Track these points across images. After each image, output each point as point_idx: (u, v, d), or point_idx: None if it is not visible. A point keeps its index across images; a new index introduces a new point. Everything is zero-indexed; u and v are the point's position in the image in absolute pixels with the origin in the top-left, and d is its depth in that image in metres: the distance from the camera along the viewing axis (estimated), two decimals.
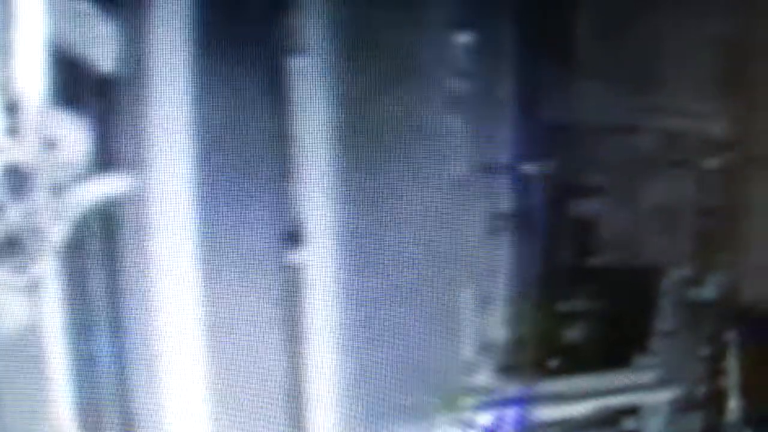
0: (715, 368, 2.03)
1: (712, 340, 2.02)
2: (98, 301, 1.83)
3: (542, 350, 1.96)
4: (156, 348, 1.84)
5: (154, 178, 1.83)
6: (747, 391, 2.03)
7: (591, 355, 1.98)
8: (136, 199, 1.83)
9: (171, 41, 1.82)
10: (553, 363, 1.96)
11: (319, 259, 1.86)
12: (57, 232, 1.81)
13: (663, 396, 2.01)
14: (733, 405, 2.03)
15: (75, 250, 1.82)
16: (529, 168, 1.91)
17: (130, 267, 1.83)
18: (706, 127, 1.98)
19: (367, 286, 1.87)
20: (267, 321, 1.85)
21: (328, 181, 1.86)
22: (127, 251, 1.83)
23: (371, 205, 1.86)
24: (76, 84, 1.80)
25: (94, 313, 1.83)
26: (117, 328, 1.84)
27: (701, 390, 2.03)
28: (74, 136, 1.82)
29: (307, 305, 1.86)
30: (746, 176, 2.00)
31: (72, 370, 1.82)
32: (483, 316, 1.92)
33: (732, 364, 2.03)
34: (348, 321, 1.87)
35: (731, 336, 2.02)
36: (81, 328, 1.83)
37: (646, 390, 2.00)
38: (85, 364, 1.83)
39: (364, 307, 1.87)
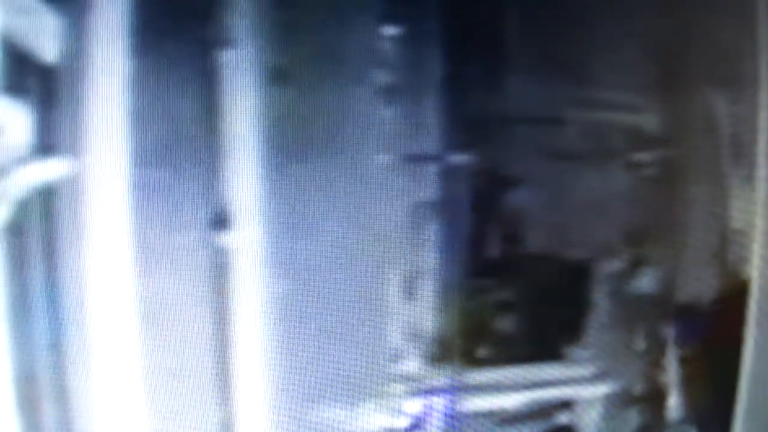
0: (653, 364, 2.02)
1: (650, 335, 2.01)
2: (35, 281, 1.92)
3: (472, 340, 1.98)
4: (90, 327, 1.91)
5: (91, 162, 1.92)
6: (686, 387, 2.01)
7: (523, 347, 1.99)
8: (73, 183, 1.91)
9: (109, 32, 1.91)
10: (483, 353, 1.98)
11: (247, 243, 1.92)
12: None
13: (598, 390, 2.00)
14: (673, 402, 2.01)
15: (15, 232, 1.91)
16: (457, 158, 1.95)
17: (66, 248, 1.91)
18: (639, 120, 1.98)
19: (295, 272, 1.92)
20: (196, 303, 1.91)
21: (256, 168, 1.92)
22: (64, 233, 1.91)
23: (299, 193, 1.92)
24: (19, 71, 1.90)
25: (31, 292, 1.92)
26: (53, 307, 1.92)
27: (639, 386, 2.01)
28: (16, 122, 1.91)
29: (235, 288, 1.92)
30: (682, 169, 2.00)
31: (9, 348, 1.90)
32: (411, 304, 1.95)
33: (671, 360, 2.01)
34: (275, 306, 1.92)
35: (670, 331, 2.01)
36: (18, 307, 1.91)
37: (581, 384, 2.00)
38: (21, 343, 1.91)
39: (292, 293, 1.92)
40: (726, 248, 2.02)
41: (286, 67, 1.92)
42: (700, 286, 2.00)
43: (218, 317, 1.91)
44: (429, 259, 1.95)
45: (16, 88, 1.90)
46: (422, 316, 1.95)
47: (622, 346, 2.01)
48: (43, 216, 1.92)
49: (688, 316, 2.01)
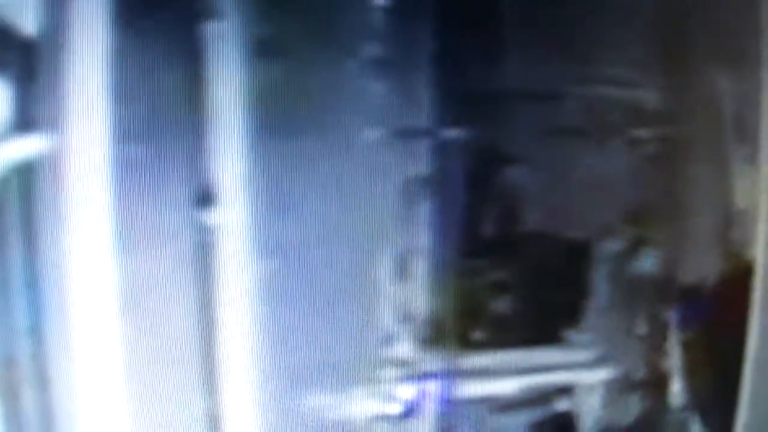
0: (655, 348, 1.95)
1: (651, 319, 1.95)
2: (13, 261, 1.86)
3: (467, 323, 1.91)
4: (70, 309, 1.85)
5: (71, 138, 1.85)
6: (689, 373, 1.95)
7: (520, 330, 1.93)
8: (53, 160, 1.85)
9: (90, 4, 1.85)
10: (479, 337, 1.91)
11: (233, 222, 1.86)
12: None
13: (598, 376, 1.94)
14: (675, 387, 1.94)
15: None
16: (450, 134, 1.88)
17: (46, 226, 1.85)
18: (640, 97, 1.92)
19: (282, 252, 1.86)
20: (180, 283, 1.85)
21: (242, 143, 1.86)
22: (44, 211, 1.85)
23: (286, 168, 1.86)
24: None
25: (9, 273, 1.86)
26: (32, 289, 1.86)
27: (640, 371, 1.95)
28: None
29: (220, 268, 1.86)
30: (684, 148, 1.94)
31: None
32: (404, 285, 1.89)
33: (673, 345, 1.95)
34: (262, 287, 1.86)
35: (672, 315, 1.94)
36: None
37: (580, 369, 1.94)
38: (0, 325, 1.85)
39: (279, 273, 1.86)
40: (729, 229, 1.96)
41: (272, 41, 1.86)
42: (702, 268, 1.94)
43: (203, 298, 1.85)
44: (422, 238, 1.88)
45: None
46: (415, 298, 1.89)
47: (623, 330, 1.95)
48: (22, 194, 1.86)
49: (690, 300, 1.95)
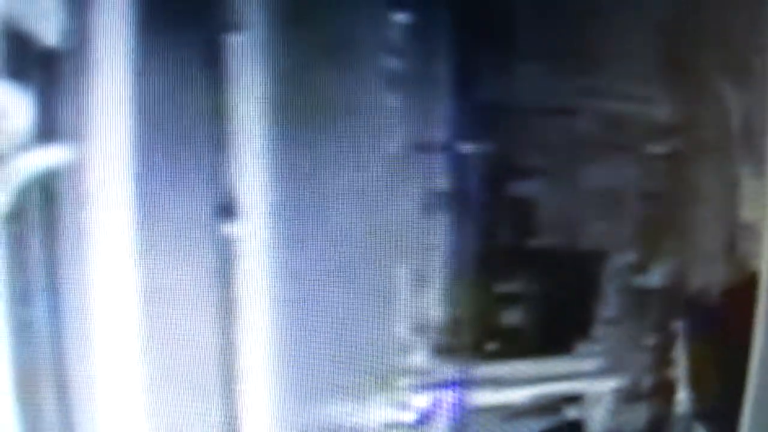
0: (662, 358, 1.99)
1: (658, 329, 1.99)
2: (37, 269, 1.87)
3: (480, 333, 1.95)
4: (92, 317, 1.87)
5: (94, 149, 1.87)
6: (695, 382, 1.99)
7: (531, 340, 1.96)
8: (75, 170, 1.87)
9: (112, 15, 1.86)
10: (492, 346, 1.95)
11: (254, 233, 1.88)
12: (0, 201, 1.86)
13: (607, 385, 1.98)
14: (681, 396, 1.99)
15: (16, 219, 1.86)
16: (466, 147, 1.91)
17: (68, 236, 1.87)
18: (650, 111, 1.96)
19: (302, 262, 1.89)
20: (201, 293, 1.88)
21: (263, 155, 1.88)
22: (66, 221, 1.87)
23: (306, 181, 1.88)
24: (20, 56, 1.86)
25: (32, 281, 1.87)
26: (55, 296, 1.88)
27: (648, 380, 1.99)
28: (18, 107, 1.87)
29: (240, 279, 1.88)
30: (693, 162, 1.97)
31: (10, 336, 1.86)
32: (420, 295, 1.92)
33: (680, 355, 1.99)
34: (281, 296, 1.88)
35: (679, 325, 1.98)
36: (20, 295, 1.87)
37: (589, 378, 1.98)
38: (22, 331, 1.87)
39: (299, 283, 1.88)
40: (736, 242, 2.00)
41: (294, 54, 1.88)
42: (709, 280, 1.98)
43: (223, 307, 1.87)
44: (438, 250, 1.91)
45: (17, 73, 1.86)
46: (431, 308, 1.92)
47: (631, 341, 1.98)
48: (45, 203, 1.87)
49: (697, 311, 1.99)
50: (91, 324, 1.86)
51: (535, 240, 1.96)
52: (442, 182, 1.92)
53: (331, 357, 1.88)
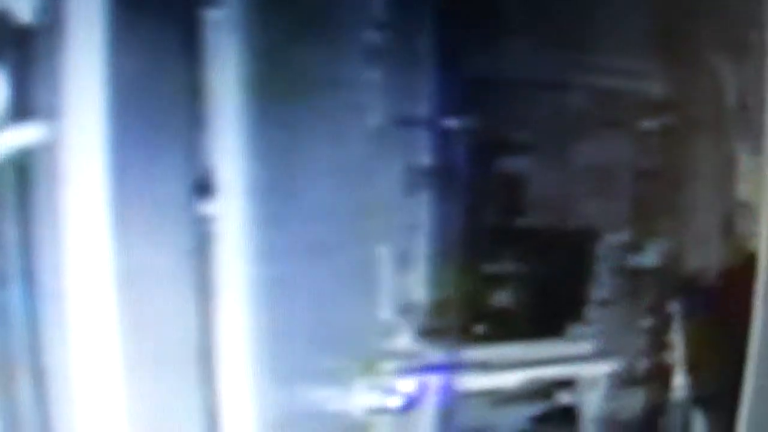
0: (658, 341, 1.93)
1: (654, 311, 1.93)
2: (9, 250, 1.83)
3: (468, 315, 1.89)
4: (67, 298, 1.83)
5: (68, 127, 1.83)
6: (693, 366, 1.93)
7: (522, 322, 1.90)
8: (49, 149, 1.83)
9: None
10: (481, 329, 1.89)
11: (231, 211, 1.83)
12: None
13: (601, 369, 1.92)
14: (678, 381, 1.92)
15: None
16: (451, 122, 1.86)
17: (41, 216, 1.83)
18: (643, 86, 1.90)
19: (281, 241, 1.84)
20: (178, 273, 1.83)
21: (240, 132, 1.83)
22: (40, 200, 1.82)
23: (285, 158, 1.83)
24: None
25: (6, 262, 1.83)
26: (29, 277, 1.84)
27: (643, 364, 1.93)
28: None
29: (218, 258, 1.83)
30: (687, 138, 1.92)
31: None
32: (403, 275, 1.86)
33: (676, 338, 1.93)
34: (260, 276, 1.83)
35: (675, 307, 1.92)
36: None
37: (583, 362, 1.91)
38: None
39: (278, 263, 1.83)
40: (733, 221, 1.94)
41: (272, 29, 1.83)
42: (706, 260, 1.92)
43: (201, 289, 1.82)
44: (423, 228, 1.86)
45: None
46: (416, 288, 1.87)
47: (626, 323, 1.92)
48: (18, 182, 1.83)
49: (694, 292, 1.93)
50: (66, 306, 1.82)
51: (524, 218, 1.90)
52: (426, 158, 1.86)
53: (312, 339, 1.82)
